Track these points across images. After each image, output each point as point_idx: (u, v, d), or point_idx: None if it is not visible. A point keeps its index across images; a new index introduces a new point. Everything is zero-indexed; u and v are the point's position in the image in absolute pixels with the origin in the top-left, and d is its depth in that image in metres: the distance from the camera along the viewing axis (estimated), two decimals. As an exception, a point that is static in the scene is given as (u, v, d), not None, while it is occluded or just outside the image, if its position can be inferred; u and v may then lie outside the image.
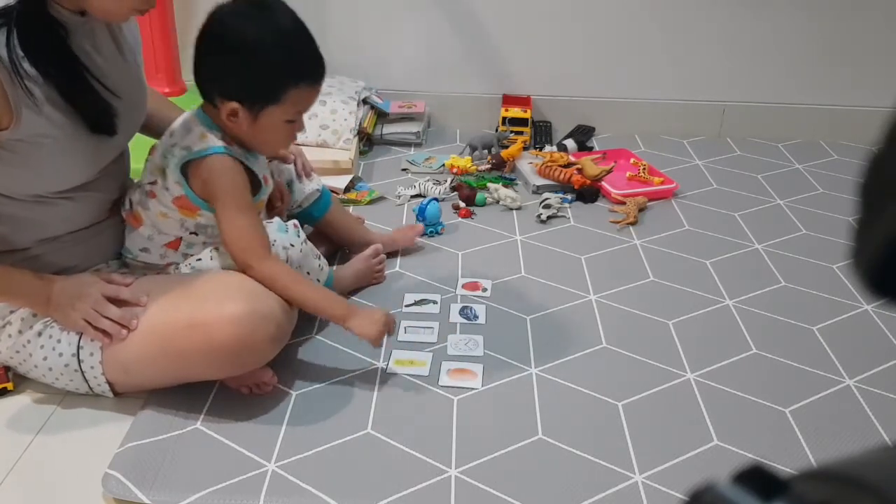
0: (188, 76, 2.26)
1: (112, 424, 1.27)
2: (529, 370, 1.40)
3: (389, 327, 1.33)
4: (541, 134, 2.39)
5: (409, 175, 2.17)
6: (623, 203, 1.98)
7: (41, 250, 1.26)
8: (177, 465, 1.18)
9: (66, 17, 1.14)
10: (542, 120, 2.46)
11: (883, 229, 0.36)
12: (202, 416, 1.28)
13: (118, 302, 1.23)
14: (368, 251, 1.64)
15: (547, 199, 1.95)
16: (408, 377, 1.38)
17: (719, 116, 2.47)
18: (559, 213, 1.96)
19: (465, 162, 2.13)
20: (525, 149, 2.23)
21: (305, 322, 1.48)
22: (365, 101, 2.34)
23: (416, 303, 1.59)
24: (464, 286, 1.65)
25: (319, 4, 2.36)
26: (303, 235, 1.40)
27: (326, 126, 2.15)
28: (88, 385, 1.28)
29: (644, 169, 2.15)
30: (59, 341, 1.25)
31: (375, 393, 1.34)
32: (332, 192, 1.72)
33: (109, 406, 1.31)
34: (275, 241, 1.33)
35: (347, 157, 2.11)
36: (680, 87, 2.45)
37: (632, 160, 2.22)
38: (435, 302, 1.59)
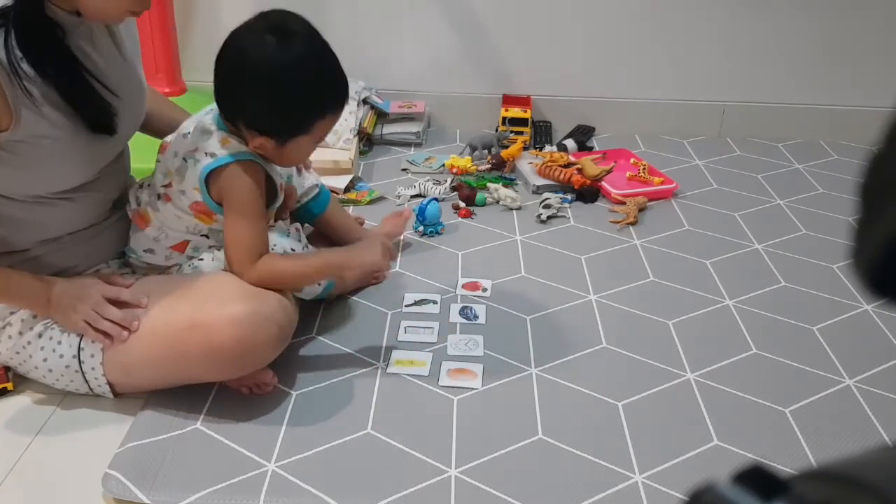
0: (188, 76, 2.28)
1: (112, 424, 1.27)
2: (529, 370, 1.40)
3: (390, 250, 1.35)
4: (541, 134, 2.39)
5: (409, 175, 2.17)
6: (623, 203, 1.98)
7: (41, 251, 1.26)
8: (177, 465, 1.18)
9: (62, 18, 1.14)
10: (542, 120, 2.46)
11: (883, 229, 0.36)
12: (202, 416, 1.28)
13: (119, 303, 1.23)
14: (368, 251, 1.63)
15: (547, 199, 1.95)
16: (408, 377, 1.38)
17: (719, 116, 2.48)
18: (559, 213, 1.96)
19: (465, 162, 2.13)
20: (525, 149, 2.23)
21: (305, 322, 1.48)
22: (365, 101, 2.34)
23: (416, 303, 1.59)
24: (464, 286, 1.65)
25: (319, 4, 2.36)
26: (304, 240, 1.40)
27: (326, 126, 2.15)
28: (89, 386, 1.28)
29: (644, 169, 2.15)
30: (59, 342, 1.25)
31: (375, 393, 1.34)
32: (332, 192, 1.71)
33: (109, 406, 1.31)
34: (275, 245, 1.33)
35: (347, 157, 2.11)
36: (680, 87, 2.45)
37: (632, 160, 2.22)
38: (435, 302, 1.59)
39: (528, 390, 1.35)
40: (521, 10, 2.36)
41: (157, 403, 1.30)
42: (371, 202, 2.00)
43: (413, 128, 2.36)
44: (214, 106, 1.27)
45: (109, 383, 1.27)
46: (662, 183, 2.10)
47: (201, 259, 1.33)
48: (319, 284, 1.44)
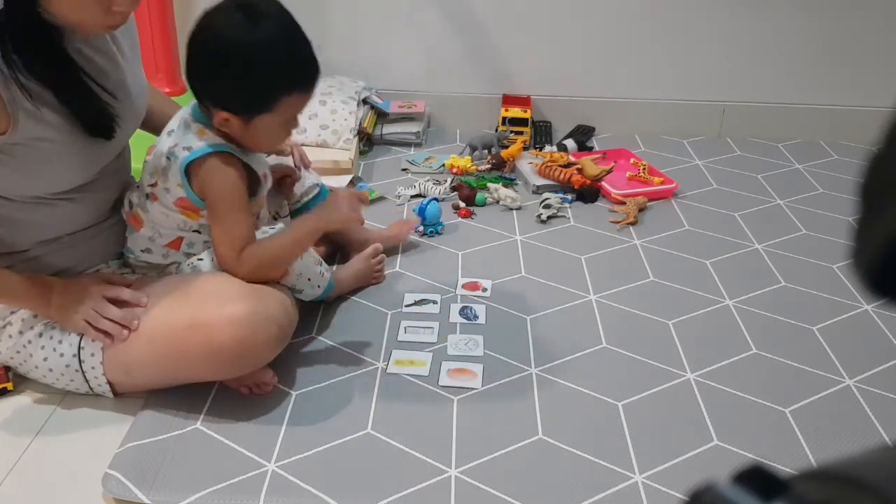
0: (188, 76, 2.28)
1: (112, 424, 1.27)
2: (529, 370, 1.40)
3: (353, 200, 1.35)
4: (541, 134, 2.39)
5: (409, 175, 2.17)
6: (623, 203, 1.98)
7: (41, 251, 1.26)
8: (177, 465, 1.18)
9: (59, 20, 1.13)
10: (542, 120, 2.46)
11: (883, 229, 0.36)
12: (202, 416, 1.28)
13: (119, 303, 1.23)
14: (368, 251, 1.64)
15: (547, 199, 1.95)
16: (408, 377, 1.38)
17: (719, 116, 2.48)
18: (559, 213, 1.96)
19: (465, 162, 2.13)
20: (525, 149, 2.23)
21: (305, 322, 1.48)
22: (365, 101, 2.34)
23: (416, 303, 1.59)
24: (464, 286, 1.65)
25: (319, 4, 2.36)
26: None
27: (326, 126, 2.15)
28: (89, 385, 1.28)
29: (644, 169, 2.15)
30: (59, 342, 1.25)
31: (375, 393, 1.34)
32: (332, 191, 1.71)
33: (109, 406, 1.31)
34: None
35: (347, 157, 2.11)
36: (680, 87, 2.45)
37: (632, 160, 2.22)
38: (435, 302, 1.59)
39: (528, 390, 1.35)
40: (521, 10, 2.36)
41: (157, 403, 1.30)
42: (371, 202, 1.99)
43: (413, 128, 2.36)
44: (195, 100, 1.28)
45: (109, 383, 1.27)
46: (662, 183, 2.10)
47: (201, 259, 1.32)
48: (319, 287, 1.44)
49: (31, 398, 1.34)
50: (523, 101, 2.41)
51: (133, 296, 1.24)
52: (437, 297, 1.60)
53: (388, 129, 2.37)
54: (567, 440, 1.24)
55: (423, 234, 1.83)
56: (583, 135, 2.38)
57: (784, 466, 1.18)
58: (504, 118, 2.33)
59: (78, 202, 1.25)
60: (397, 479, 1.16)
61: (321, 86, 2.24)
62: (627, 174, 2.14)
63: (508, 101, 2.41)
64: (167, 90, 2.15)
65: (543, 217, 1.92)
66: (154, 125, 1.40)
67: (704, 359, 1.45)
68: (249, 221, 1.29)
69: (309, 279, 1.41)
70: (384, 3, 2.37)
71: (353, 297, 1.60)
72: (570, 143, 2.29)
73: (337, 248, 1.74)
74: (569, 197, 2.03)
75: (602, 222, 1.93)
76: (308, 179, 1.61)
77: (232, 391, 1.32)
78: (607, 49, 2.40)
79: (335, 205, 1.34)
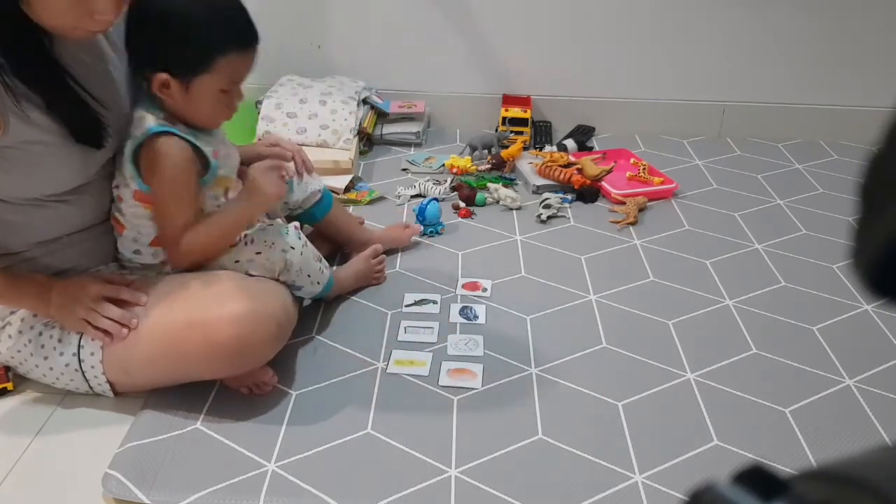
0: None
1: (112, 424, 1.27)
2: (529, 370, 1.40)
3: (275, 170, 1.34)
4: (541, 134, 2.39)
5: (409, 175, 2.17)
6: (623, 203, 1.98)
7: (38, 253, 1.26)
8: (177, 465, 1.18)
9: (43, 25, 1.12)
10: (542, 120, 2.46)
11: (883, 229, 0.36)
12: (202, 416, 1.28)
13: (118, 302, 1.23)
14: (368, 251, 1.64)
15: (547, 199, 1.95)
16: (408, 377, 1.38)
17: (719, 116, 2.47)
18: (559, 213, 1.96)
19: (465, 162, 2.13)
20: (525, 149, 2.23)
21: (305, 322, 1.48)
22: (365, 101, 2.34)
23: (416, 303, 1.59)
24: (464, 286, 1.65)
25: (319, 4, 2.36)
26: (304, 238, 1.40)
27: (326, 126, 2.15)
28: (89, 385, 1.28)
29: (644, 169, 2.15)
30: (59, 341, 1.25)
31: (375, 393, 1.34)
32: (332, 192, 1.71)
33: (109, 406, 1.31)
34: (274, 243, 1.33)
35: (347, 157, 2.11)
36: (680, 87, 2.45)
37: (632, 160, 2.22)
38: (435, 302, 1.59)
39: (528, 390, 1.35)
40: (521, 10, 2.35)
41: (157, 403, 1.30)
42: (371, 202, 2.00)
43: (413, 128, 2.36)
44: None
45: (109, 382, 1.27)
46: (662, 183, 2.10)
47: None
48: (319, 283, 1.44)
49: (31, 398, 1.34)
50: (523, 101, 2.41)
51: (132, 295, 1.24)
52: (437, 297, 1.60)
53: (388, 129, 2.37)
54: (567, 440, 1.24)
55: (423, 234, 1.83)
56: (583, 135, 2.38)
57: (784, 466, 1.18)
58: (504, 118, 2.33)
59: (73, 204, 1.25)
60: (397, 479, 1.16)
61: (321, 86, 2.27)
62: (627, 174, 2.14)
63: (508, 101, 2.41)
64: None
65: (543, 217, 1.92)
66: None
67: (704, 359, 1.45)
68: (191, 209, 1.26)
69: (309, 275, 1.40)
70: (384, 3, 2.37)
71: (353, 297, 1.60)
72: (570, 143, 2.30)
73: (337, 247, 1.74)
74: (569, 197, 2.03)
75: (602, 222, 1.93)
76: (311, 184, 1.61)
77: (232, 391, 1.32)
78: (607, 49, 2.40)
79: (261, 181, 1.32)
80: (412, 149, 2.34)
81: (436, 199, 1.88)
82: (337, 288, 1.54)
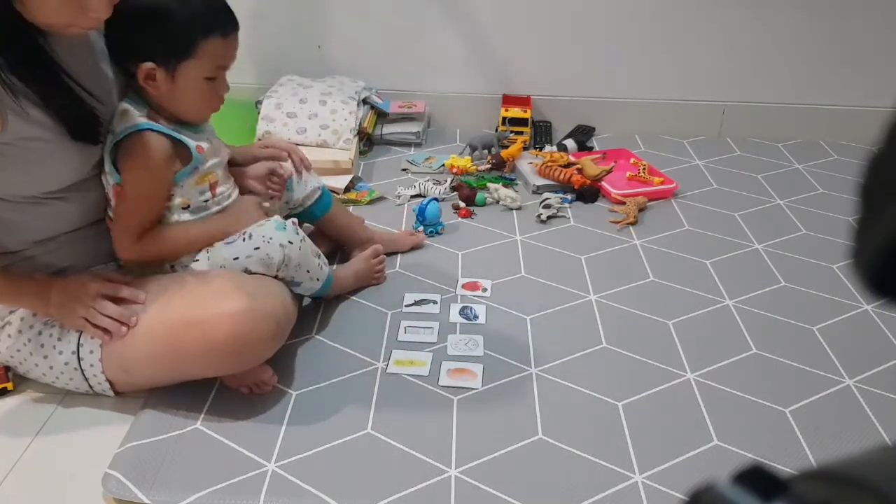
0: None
1: (112, 424, 1.27)
2: (529, 370, 1.40)
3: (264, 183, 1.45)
4: (541, 134, 2.39)
5: (409, 175, 2.17)
6: (623, 203, 1.98)
7: (36, 251, 1.26)
8: (177, 465, 1.18)
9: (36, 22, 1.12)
10: (542, 120, 2.46)
11: (883, 229, 0.36)
12: (202, 416, 1.28)
13: (117, 300, 1.23)
14: (368, 251, 1.64)
15: (547, 199, 1.95)
16: (408, 377, 1.38)
17: (719, 116, 2.47)
18: (559, 213, 1.96)
19: (465, 162, 2.13)
20: (525, 149, 2.23)
21: (305, 322, 1.48)
22: (365, 101, 2.34)
23: (416, 303, 1.59)
24: (464, 286, 1.65)
25: (319, 4, 2.36)
26: (302, 233, 1.40)
27: (326, 126, 2.15)
28: (89, 384, 1.28)
29: (644, 169, 2.15)
30: (59, 339, 1.25)
31: (375, 393, 1.34)
32: (332, 192, 1.71)
33: (109, 406, 1.31)
34: (272, 238, 1.33)
35: (347, 157, 2.11)
36: (680, 87, 2.45)
37: (632, 160, 2.22)
38: (435, 302, 1.59)
39: (528, 390, 1.35)
40: (520, 10, 2.35)
41: (157, 403, 1.30)
42: (371, 202, 2.00)
43: (413, 128, 2.36)
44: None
45: (109, 381, 1.27)
46: (662, 183, 2.10)
47: (197, 260, 1.32)
48: (318, 280, 1.44)
49: (31, 398, 1.34)
50: (523, 101, 2.41)
51: (131, 293, 1.24)
52: (437, 297, 1.60)
53: (388, 129, 2.37)
54: (567, 440, 1.24)
55: (423, 234, 1.83)
56: (583, 135, 2.38)
57: (784, 466, 1.18)
58: (504, 118, 2.33)
59: (72, 202, 1.25)
60: (397, 479, 1.16)
61: (321, 86, 2.27)
62: (627, 174, 2.14)
63: (508, 101, 2.41)
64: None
65: (543, 217, 1.92)
66: None
67: (704, 359, 1.45)
68: (153, 208, 1.27)
69: (308, 271, 1.40)
70: (384, 4, 2.37)
71: (353, 297, 1.60)
72: (570, 143, 2.29)
73: (337, 246, 1.74)
74: (569, 197, 2.03)
75: (602, 222, 1.93)
76: (310, 183, 1.61)
77: (232, 391, 1.32)
78: (607, 49, 2.40)
79: (248, 213, 1.36)
80: (412, 149, 2.34)
81: (436, 199, 1.88)
82: (337, 287, 1.54)
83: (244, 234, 1.33)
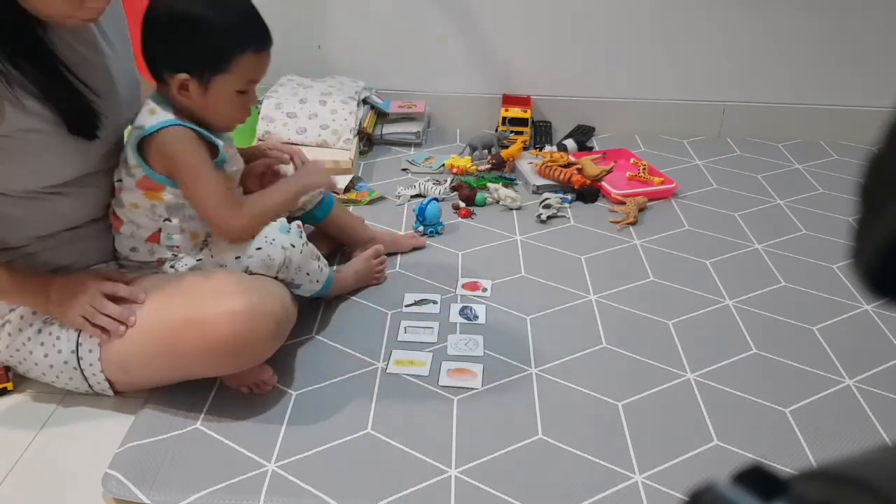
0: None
1: (112, 424, 1.27)
2: (529, 370, 1.40)
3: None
4: (541, 134, 2.39)
5: (409, 175, 2.17)
6: (623, 203, 1.98)
7: (37, 248, 1.26)
8: (177, 465, 1.18)
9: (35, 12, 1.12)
10: (542, 120, 2.46)
11: (883, 229, 0.36)
12: (202, 416, 1.28)
13: (116, 299, 1.23)
14: (369, 252, 1.64)
15: (547, 199, 1.95)
16: (408, 377, 1.38)
17: (719, 116, 2.48)
18: (559, 213, 1.96)
19: (465, 162, 2.13)
20: (525, 149, 2.23)
21: (305, 322, 1.48)
22: (365, 101, 2.34)
23: (416, 303, 1.59)
24: (464, 286, 1.65)
25: (319, 4, 2.36)
26: (304, 237, 1.40)
27: (326, 126, 2.15)
28: (88, 383, 1.28)
29: (644, 169, 2.15)
30: (58, 338, 1.25)
31: (375, 393, 1.34)
32: (333, 192, 1.71)
33: (109, 406, 1.31)
34: (274, 239, 1.33)
35: (347, 157, 2.11)
36: (680, 87, 2.45)
37: (632, 160, 2.22)
38: (435, 302, 1.59)
39: (528, 390, 1.35)
40: (520, 10, 2.35)
41: (157, 403, 1.30)
42: (371, 202, 2.00)
43: (413, 128, 2.36)
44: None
45: (108, 380, 1.27)
46: (662, 183, 2.10)
47: (199, 259, 1.32)
48: (318, 281, 1.44)
49: (31, 398, 1.34)
50: (523, 101, 2.41)
51: (131, 292, 1.24)
52: (437, 297, 1.60)
53: (388, 129, 2.37)
54: (567, 440, 1.24)
55: (423, 234, 1.83)
56: (583, 135, 2.38)
57: (784, 466, 1.18)
58: (504, 118, 2.33)
59: (72, 197, 1.25)
60: (397, 479, 1.16)
61: (321, 86, 2.27)
62: (627, 174, 2.14)
63: (508, 101, 2.41)
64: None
65: (543, 217, 1.92)
66: None
67: (704, 359, 1.45)
68: (220, 182, 1.29)
69: (308, 273, 1.40)
70: (384, 4, 2.37)
71: (353, 297, 1.60)
72: (570, 143, 2.29)
73: (338, 246, 1.74)
74: (569, 197, 2.03)
75: (602, 222, 1.93)
76: None
77: (232, 391, 1.32)
78: (607, 49, 2.40)
79: (317, 169, 1.48)
80: (412, 149, 2.34)
81: (436, 199, 1.88)
82: (337, 287, 1.54)
83: None
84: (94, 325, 1.21)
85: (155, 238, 1.32)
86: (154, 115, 1.25)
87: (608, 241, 1.85)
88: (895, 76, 2.36)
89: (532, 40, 2.40)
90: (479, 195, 1.99)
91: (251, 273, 1.32)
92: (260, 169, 1.51)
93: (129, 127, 1.30)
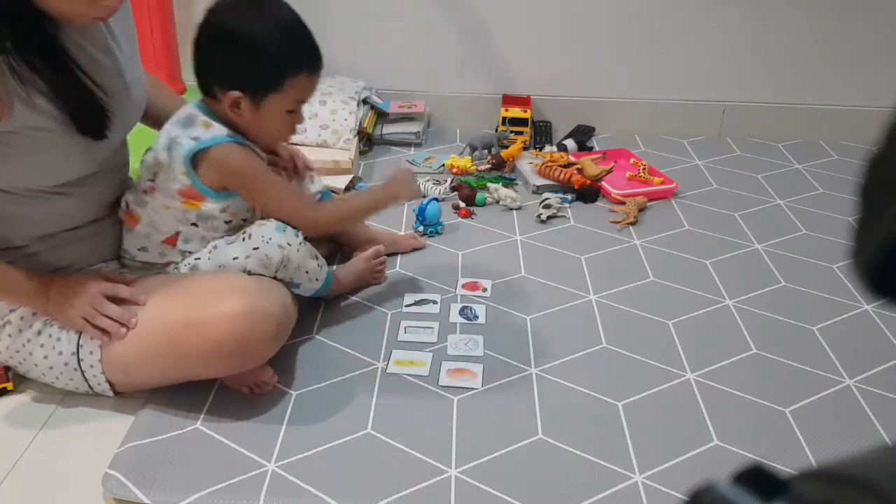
0: (188, 76, 2.27)
1: (112, 424, 1.27)
2: (529, 370, 1.40)
3: (411, 176, 1.58)
4: (541, 134, 2.39)
5: (409, 175, 2.16)
6: (623, 203, 1.98)
7: (39, 248, 1.26)
8: (177, 465, 1.18)
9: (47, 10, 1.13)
10: (542, 120, 2.46)
11: (883, 229, 0.36)
12: (202, 416, 1.28)
13: (117, 300, 1.23)
14: (369, 252, 1.63)
15: (547, 199, 1.95)
16: (408, 377, 1.38)
17: (719, 116, 2.48)
18: (559, 213, 1.96)
19: (465, 162, 2.13)
20: (525, 149, 2.23)
21: (305, 322, 1.48)
22: (365, 101, 2.34)
23: (416, 303, 1.59)
24: (464, 286, 1.65)
25: (320, 4, 2.36)
26: (301, 235, 1.40)
27: (326, 126, 2.15)
28: (88, 384, 1.27)
29: (644, 169, 2.15)
30: (58, 339, 1.25)
31: (375, 393, 1.34)
32: (333, 192, 1.71)
33: (109, 406, 1.31)
34: (271, 238, 1.33)
35: (347, 157, 2.11)
36: (680, 87, 2.45)
37: (632, 160, 2.22)
38: (435, 302, 1.59)
39: (528, 390, 1.35)
40: (520, 11, 2.35)
41: (158, 403, 1.30)
42: (371, 202, 1.99)
43: (413, 128, 2.36)
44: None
45: (109, 381, 1.27)
46: (662, 183, 2.10)
47: (198, 258, 1.32)
48: (317, 280, 1.44)
49: (31, 398, 1.34)
50: (523, 101, 2.41)
51: (132, 293, 1.24)
52: (437, 297, 1.60)
53: (388, 129, 2.37)
54: (567, 440, 1.24)
55: (423, 234, 1.83)
56: (583, 135, 2.38)
57: (784, 466, 1.18)
58: (504, 118, 2.33)
59: (76, 197, 1.25)
60: (397, 479, 1.16)
61: (321, 86, 2.26)
62: (627, 174, 2.14)
63: (508, 101, 2.41)
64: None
65: (543, 217, 1.92)
66: (154, 118, 1.39)
67: (704, 359, 1.45)
68: (290, 187, 1.39)
69: (306, 272, 1.40)
70: (384, 3, 2.37)
71: (353, 297, 1.60)
72: (570, 143, 2.29)
73: (338, 246, 1.74)
74: (569, 197, 2.03)
75: (602, 222, 1.93)
76: (314, 185, 1.61)
77: (232, 391, 1.32)
78: (607, 49, 2.40)
79: (402, 181, 1.52)
80: (412, 149, 2.34)
81: (436, 199, 1.88)
82: (337, 287, 1.54)
83: (244, 233, 1.33)
84: (95, 327, 1.21)
85: (171, 241, 1.33)
86: (210, 129, 1.27)
87: (608, 241, 1.85)
88: (895, 76, 2.36)
89: (532, 40, 2.40)
90: (479, 195, 1.99)
91: (250, 273, 1.31)
92: None
93: (172, 129, 1.29)
